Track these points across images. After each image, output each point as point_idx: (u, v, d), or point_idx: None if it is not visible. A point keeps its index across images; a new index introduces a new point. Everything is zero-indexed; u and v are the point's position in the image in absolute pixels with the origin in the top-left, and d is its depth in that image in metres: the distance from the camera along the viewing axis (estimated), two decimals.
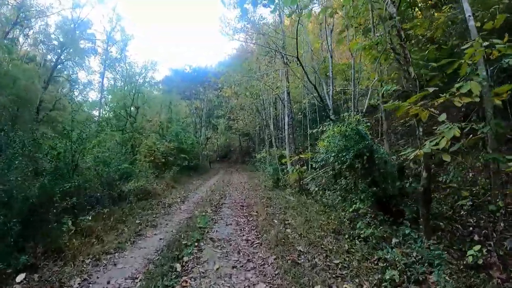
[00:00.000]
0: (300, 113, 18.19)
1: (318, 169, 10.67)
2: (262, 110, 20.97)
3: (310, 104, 19.35)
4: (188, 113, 31.65)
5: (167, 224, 6.76)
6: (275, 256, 4.39)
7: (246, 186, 13.37)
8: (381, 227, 5.00)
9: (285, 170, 13.17)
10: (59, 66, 24.92)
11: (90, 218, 5.95)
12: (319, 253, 4.44)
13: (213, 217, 7.21)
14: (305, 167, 9.84)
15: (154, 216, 7.46)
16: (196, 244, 5.04)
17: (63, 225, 5.02)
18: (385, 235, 4.71)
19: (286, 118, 14.20)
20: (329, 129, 8.60)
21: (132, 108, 20.64)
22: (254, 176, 17.94)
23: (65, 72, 26.08)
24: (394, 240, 4.47)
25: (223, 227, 6.40)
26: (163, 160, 13.68)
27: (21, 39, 23.92)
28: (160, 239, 5.54)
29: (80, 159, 8.40)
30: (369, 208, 5.88)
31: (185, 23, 76.74)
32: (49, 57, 26.14)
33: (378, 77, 8.56)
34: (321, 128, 9.23)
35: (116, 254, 4.70)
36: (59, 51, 23.99)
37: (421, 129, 4.44)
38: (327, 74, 13.96)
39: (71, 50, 23.84)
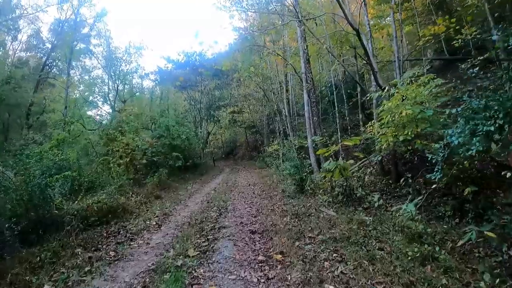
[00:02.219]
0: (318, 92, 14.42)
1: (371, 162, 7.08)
2: (271, 94, 17.33)
3: (328, 80, 15.63)
4: (187, 107, 28.21)
5: None
6: None
7: (256, 191, 9.82)
8: None
9: (309, 167, 9.54)
10: (53, 69, 22.40)
11: None
12: None
13: (196, 270, 3.67)
14: (350, 161, 6.21)
15: (88, 269, 3.97)
16: None
17: None
18: None
19: (306, 96, 10.54)
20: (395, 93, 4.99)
21: (116, 102, 17.34)
22: (265, 174, 14.36)
23: (57, 74, 23.30)
24: None
25: None
26: (144, 161, 10.20)
27: (10, 43, 22.17)
28: None
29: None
30: None
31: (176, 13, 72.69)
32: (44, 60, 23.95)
33: None
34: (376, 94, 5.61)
35: None
36: (49, 53, 21.37)
37: None
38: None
39: (61, 51, 20.84)
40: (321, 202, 6.75)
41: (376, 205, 5.73)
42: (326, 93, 16.17)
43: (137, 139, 10.23)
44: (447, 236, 4.18)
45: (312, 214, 5.89)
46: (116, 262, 4.22)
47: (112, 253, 4.51)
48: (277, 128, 17.90)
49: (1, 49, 21.87)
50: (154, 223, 6.18)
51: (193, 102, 24.31)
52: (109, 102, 17.15)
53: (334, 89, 11.62)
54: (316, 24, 10.87)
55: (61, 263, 4.27)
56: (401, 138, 4.68)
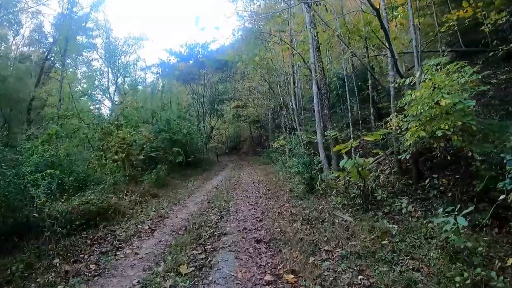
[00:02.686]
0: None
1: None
2: (277, 87, 16.51)
3: (337, 72, 14.74)
4: (190, 101, 27.47)
5: None
6: None
7: (261, 190, 9.11)
8: None
9: (319, 165, 8.78)
10: (56, 63, 21.90)
11: None
12: None
13: None
14: (369, 159, 5.42)
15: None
16: None
17: None
18: None
19: (315, 88, 9.72)
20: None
21: (116, 96, 16.69)
22: (271, 171, 13.64)
23: (59, 68, 22.84)
24: None
25: None
26: (142, 157, 9.52)
27: (12, 38, 22.08)
28: None
29: None
30: None
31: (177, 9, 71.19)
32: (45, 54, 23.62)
33: None
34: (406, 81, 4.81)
35: None
36: (50, 47, 20.89)
37: None
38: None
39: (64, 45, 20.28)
40: (335, 204, 6.01)
41: (403, 211, 4.95)
42: (335, 86, 15.33)
43: (134, 133, 9.55)
44: (491, 251, 3.43)
45: (326, 220, 5.16)
46: (96, 278, 3.55)
47: (93, 266, 3.83)
48: (282, 122, 17.11)
49: (3, 43, 21.62)
50: (147, 227, 5.51)
51: (196, 96, 23.55)
52: (108, 95, 16.54)
53: (345, 80, 10.76)
54: (327, 10, 9.98)
55: (33, 278, 3.63)
56: (439, 133, 3.89)
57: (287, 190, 8.10)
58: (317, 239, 4.20)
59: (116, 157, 8.77)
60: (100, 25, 18.11)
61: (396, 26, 14.38)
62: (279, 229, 4.87)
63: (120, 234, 5.13)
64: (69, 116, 10.02)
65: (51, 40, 21.45)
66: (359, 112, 11.93)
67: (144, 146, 10.44)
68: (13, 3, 18.73)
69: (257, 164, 19.45)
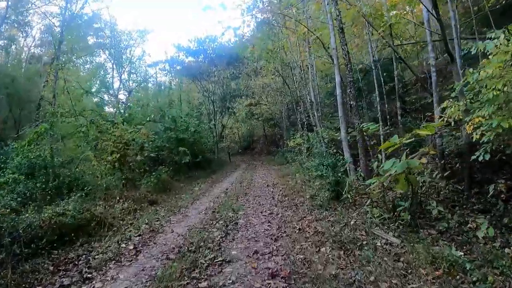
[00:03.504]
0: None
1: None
2: (292, 81, 15.18)
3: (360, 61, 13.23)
4: (202, 99, 26.48)
5: None
6: None
7: (276, 195, 7.83)
8: None
9: (346, 166, 7.40)
10: (68, 64, 21.64)
11: None
12: None
13: None
14: (423, 161, 4.02)
15: None
16: None
17: None
18: None
19: (337, 77, 8.36)
20: None
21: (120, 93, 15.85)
22: (286, 172, 12.31)
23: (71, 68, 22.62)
24: None
25: None
26: (140, 157, 8.44)
27: (24, 40, 22.09)
28: None
29: None
30: None
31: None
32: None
33: None
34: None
35: None
36: (58, 46, 20.65)
37: None
38: None
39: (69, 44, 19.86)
40: (371, 218, 4.66)
41: (480, 235, 3.56)
42: (356, 78, 13.86)
43: (132, 131, 8.49)
44: None
45: (364, 242, 3.83)
46: None
47: None
48: (298, 119, 15.73)
49: (14, 45, 21.57)
50: (132, 247, 4.35)
51: (207, 93, 22.49)
52: (112, 92, 15.76)
53: (374, 67, 9.29)
54: None
55: None
56: None
57: (307, 197, 6.78)
58: (359, 279, 2.89)
59: (109, 158, 7.73)
60: (105, 20, 17.34)
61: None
62: (301, 256, 3.59)
63: (97, 257, 4.01)
64: (63, 113, 9.07)
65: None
66: (386, 106, 10.41)
67: (145, 145, 9.39)
68: (21, 3, 18.44)
69: (271, 164, 18.16)
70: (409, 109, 13.78)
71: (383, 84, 10.50)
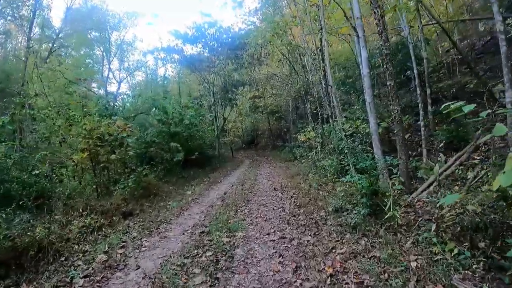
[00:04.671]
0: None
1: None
2: (300, 68, 13.32)
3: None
4: (202, 91, 24.66)
5: None
6: None
7: (288, 206, 6.07)
8: None
9: (382, 169, 5.63)
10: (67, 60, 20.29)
11: None
12: None
13: None
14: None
15: None
16: None
17: None
18: None
19: (364, 53, 6.55)
20: None
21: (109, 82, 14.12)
22: (296, 171, 10.53)
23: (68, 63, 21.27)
24: None
25: None
26: (114, 156, 6.73)
27: (21, 34, 20.40)
28: None
29: None
30: None
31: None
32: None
33: None
34: None
35: None
36: (54, 39, 19.16)
37: None
38: None
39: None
40: (442, 258, 2.92)
41: None
42: (375, 64, 12.00)
43: (105, 123, 6.76)
44: None
45: None
46: None
47: None
48: (308, 111, 13.89)
49: (11, 40, 20.36)
50: None
51: (207, 84, 20.67)
52: (102, 80, 14.08)
53: (409, 41, 7.42)
54: None
55: None
56: None
57: (330, 210, 5.04)
58: None
59: (75, 157, 6.07)
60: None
61: None
62: None
63: None
64: (32, 104, 7.42)
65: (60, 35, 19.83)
66: (420, 90, 8.52)
67: (129, 141, 7.69)
68: None
69: (278, 160, 16.40)
70: (434, 100, 11.94)
71: (415, 65, 8.66)
